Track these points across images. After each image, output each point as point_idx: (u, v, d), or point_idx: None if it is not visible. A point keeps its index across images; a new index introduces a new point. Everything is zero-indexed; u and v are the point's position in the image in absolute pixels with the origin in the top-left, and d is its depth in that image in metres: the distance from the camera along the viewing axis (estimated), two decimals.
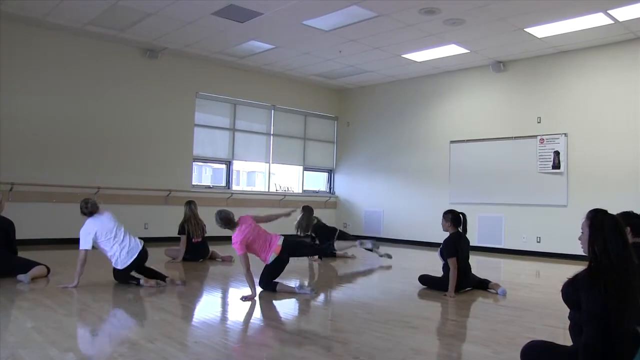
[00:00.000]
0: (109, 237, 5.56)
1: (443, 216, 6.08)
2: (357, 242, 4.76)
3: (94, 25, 9.10)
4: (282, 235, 5.66)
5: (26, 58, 9.20)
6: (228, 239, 5.55)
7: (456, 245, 5.86)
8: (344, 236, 9.01)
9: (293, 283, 5.87)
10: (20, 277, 5.64)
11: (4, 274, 5.79)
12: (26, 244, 8.44)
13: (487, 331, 4.19)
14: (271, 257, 5.39)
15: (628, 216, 4.44)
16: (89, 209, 5.66)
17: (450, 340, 4.06)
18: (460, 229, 6.01)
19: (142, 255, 5.71)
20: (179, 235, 7.97)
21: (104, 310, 4.78)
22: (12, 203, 8.32)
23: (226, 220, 5.43)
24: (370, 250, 7.92)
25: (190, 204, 8.11)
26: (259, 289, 5.43)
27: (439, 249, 6.02)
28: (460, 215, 6.06)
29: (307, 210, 8.80)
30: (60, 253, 8.33)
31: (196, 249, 7.97)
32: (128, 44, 10.18)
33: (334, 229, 9.07)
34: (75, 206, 9.32)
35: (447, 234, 6.00)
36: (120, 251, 5.57)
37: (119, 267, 5.60)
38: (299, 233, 8.74)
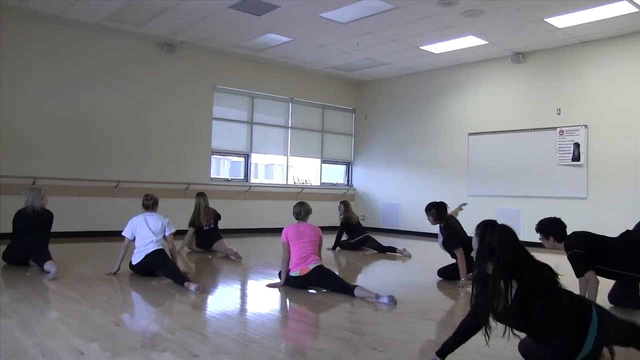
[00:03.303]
0: (140, 234, 5.83)
1: (426, 212, 6.14)
2: (373, 295, 4.77)
3: (111, 21, 9.19)
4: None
5: (44, 54, 9.32)
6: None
7: (458, 232, 5.93)
8: (369, 241, 9.02)
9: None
10: (48, 268, 5.70)
11: (38, 261, 5.97)
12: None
13: None
14: (295, 273, 5.34)
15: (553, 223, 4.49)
16: (147, 202, 6.14)
17: None
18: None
19: (150, 257, 5.71)
20: (188, 227, 8.15)
21: (125, 302, 4.87)
22: None
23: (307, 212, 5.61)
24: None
25: (200, 196, 8.27)
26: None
27: (439, 242, 6.06)
28: (441, 204, 6.14)
29: (345, 205, 9.18)
30: (80, 246, 8.47)
31: (207, 236, 8.12)
32: (146, 38, 10.26)
33: (363, 232, 9.19)
34: (95, 199, 9.56)
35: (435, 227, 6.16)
36: (141, 251, 5.78)
37: (133, 262, 5.85)
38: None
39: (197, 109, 11.14)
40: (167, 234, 5.96)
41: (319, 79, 13.05)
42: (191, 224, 8.12)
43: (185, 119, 10.96)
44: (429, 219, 6.13)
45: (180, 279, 5.36)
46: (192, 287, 5.11)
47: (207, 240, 8.15)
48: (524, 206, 10.27)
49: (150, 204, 6.10)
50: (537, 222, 4.50)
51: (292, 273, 5.30)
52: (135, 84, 10.34)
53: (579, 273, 4.28)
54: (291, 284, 5.34)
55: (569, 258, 4.31)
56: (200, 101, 11.20)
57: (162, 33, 9.88)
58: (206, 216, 8.10)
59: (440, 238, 6.06)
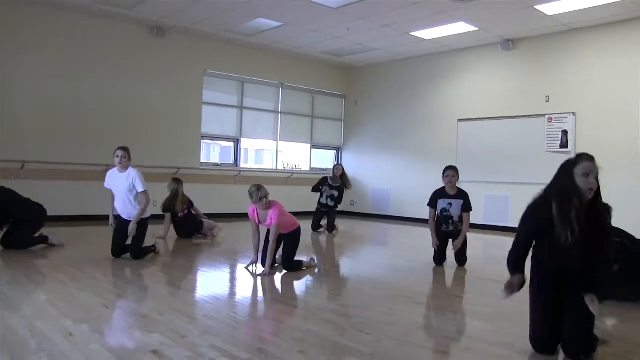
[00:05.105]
0: None
1: (454, 170, 6.09)
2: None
3: (102, 4, 9.10)
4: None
5: (34, 37, 9.22)
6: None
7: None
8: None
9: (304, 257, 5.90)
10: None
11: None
12: None
13: (491, 307, 4.26)
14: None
15: None
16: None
17: (453, 315, 4.14)
18: None
19: None
20: (163, 213, 8.03)
21: (114, 285, 4.89)
22: (23, 181, 8.48)
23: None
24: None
25: (177, 181, 8.09)
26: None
27: (454, 210, 6.03)
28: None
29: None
30: (69, 230, 8.47)
31: (184, 224, 8.00)
32: (136, 22, 10.18)
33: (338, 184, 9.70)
34: (85, 183, 9.52)
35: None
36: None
37: (148, 215, 6.22)
38: (330, 183, 9.53)
39: (187, 94, 11.09)
40: None
41: (309, 64, 13.01)
42: (165, 210, 7.94)
43: (175, 104, 10.91)
44: (453, 177, 6.03)
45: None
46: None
47: (185, 228, 8.01)
48: (512, 192, 10.37)
49: None
50: None
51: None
52: (126, 68, 10.26)
53: None
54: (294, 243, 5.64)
55: None
56: (191, 86, 11.15)
57: (152, 17, 9.80)
58: (182, 203, 7.93)
59: (458, 204, 6.00)
